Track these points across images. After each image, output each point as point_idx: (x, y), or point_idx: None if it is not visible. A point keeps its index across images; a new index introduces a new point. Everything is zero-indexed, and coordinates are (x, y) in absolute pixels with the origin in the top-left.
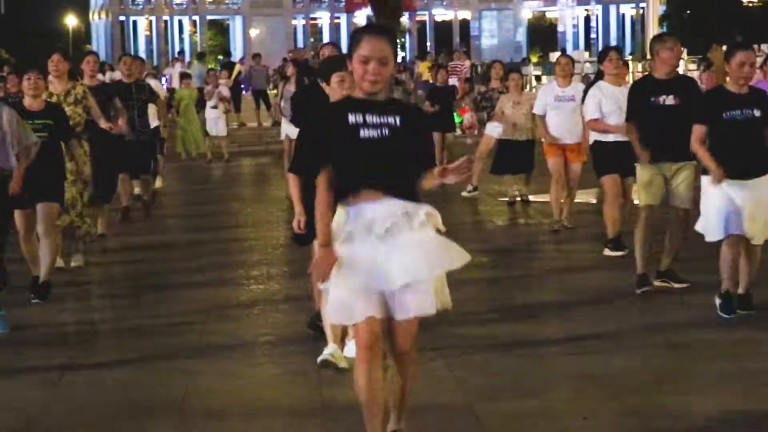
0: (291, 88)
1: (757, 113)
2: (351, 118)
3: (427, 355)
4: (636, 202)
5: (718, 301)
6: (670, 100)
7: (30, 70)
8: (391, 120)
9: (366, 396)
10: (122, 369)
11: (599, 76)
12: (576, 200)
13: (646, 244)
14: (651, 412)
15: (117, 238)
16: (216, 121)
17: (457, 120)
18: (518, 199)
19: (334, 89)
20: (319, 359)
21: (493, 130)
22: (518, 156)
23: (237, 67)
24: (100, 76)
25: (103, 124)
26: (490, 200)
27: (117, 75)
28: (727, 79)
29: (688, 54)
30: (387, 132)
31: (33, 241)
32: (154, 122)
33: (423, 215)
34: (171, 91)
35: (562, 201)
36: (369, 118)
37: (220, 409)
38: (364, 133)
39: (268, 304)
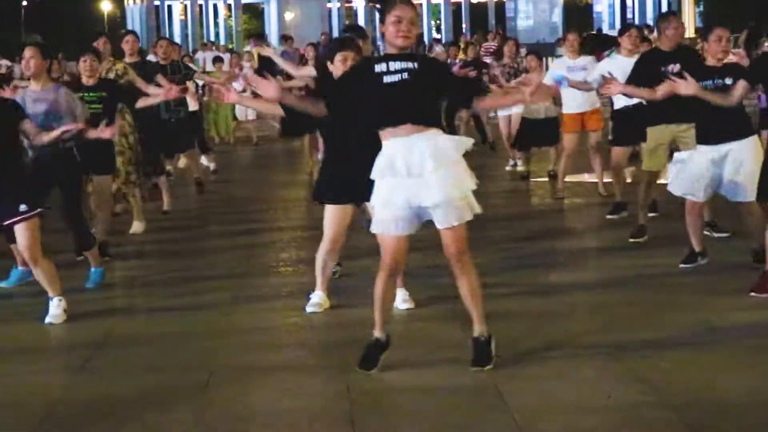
0: None
1: (728, 81)
2: (377, 68)
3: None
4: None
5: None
6: (676, 68)
7: (87, 53)
8: (411, 65)
9: (379, 298)
10: (169, 314)
11: (616, 47)
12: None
13: (644, 201)
14: (672, 389)
15: (149, 213)
16: None
17: None
18: (550, 174)
19: (338, 67)
20: (308, 310)
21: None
22: (540, 131)
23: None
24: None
25: (149, 90)
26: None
27: (152, 58)
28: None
29: None
30: (406, 75)
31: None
32: (193, 105)
33: (450, 148)
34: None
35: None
36: (392, 66)
37: (251, 344)
38: (387, 78)
39: (297, 264)
